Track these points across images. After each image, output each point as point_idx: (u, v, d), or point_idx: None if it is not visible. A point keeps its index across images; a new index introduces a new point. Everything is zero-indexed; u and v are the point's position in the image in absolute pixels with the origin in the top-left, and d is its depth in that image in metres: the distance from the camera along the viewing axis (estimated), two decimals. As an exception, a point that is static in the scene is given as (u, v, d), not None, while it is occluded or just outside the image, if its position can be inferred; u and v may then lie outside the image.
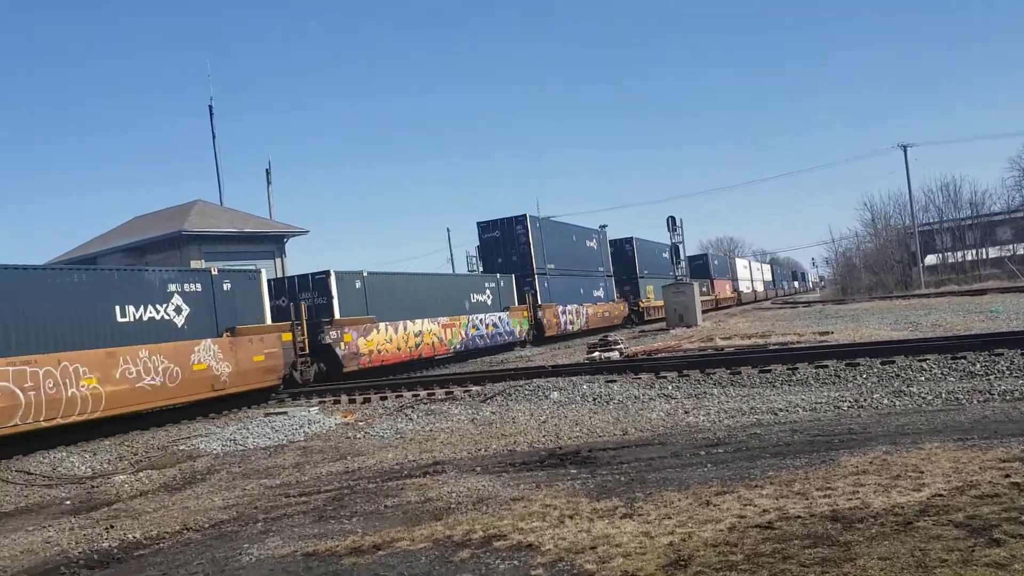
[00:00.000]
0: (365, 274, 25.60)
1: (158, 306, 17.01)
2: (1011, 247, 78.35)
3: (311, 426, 14.99)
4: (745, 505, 6.20)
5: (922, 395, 11.50)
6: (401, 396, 18.33)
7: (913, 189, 73.02)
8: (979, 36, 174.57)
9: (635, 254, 49.11)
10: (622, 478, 7.83)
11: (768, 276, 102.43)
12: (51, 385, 14.29)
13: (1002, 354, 13.57)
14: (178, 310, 17.51)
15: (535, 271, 36.20)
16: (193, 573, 6.17)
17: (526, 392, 15.96)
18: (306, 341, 22.05)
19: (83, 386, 14.87)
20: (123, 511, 9.40)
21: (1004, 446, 7.32)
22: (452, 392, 17.76)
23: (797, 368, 14.90)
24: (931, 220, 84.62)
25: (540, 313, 35.85)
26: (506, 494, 7.62)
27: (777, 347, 20.67)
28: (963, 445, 7.57)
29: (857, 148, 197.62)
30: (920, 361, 14.02)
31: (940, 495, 5.89)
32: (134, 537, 7.75)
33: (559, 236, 40.05)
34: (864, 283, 79.03)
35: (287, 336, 20.79)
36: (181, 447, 14.33)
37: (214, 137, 43.98)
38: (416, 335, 27.27)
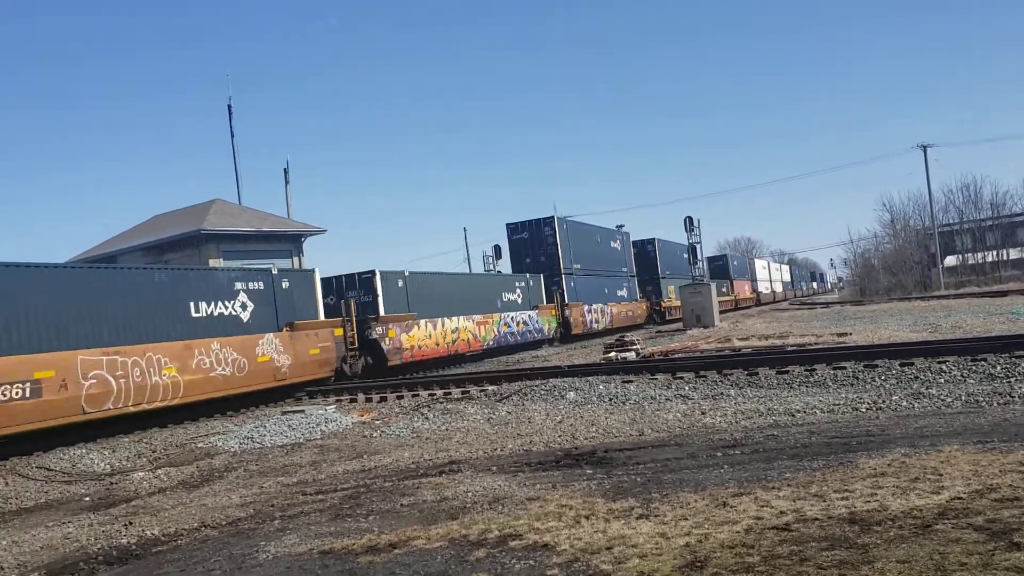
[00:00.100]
0: (407, 273, 26.93)
1: (226, 302, 18.60)
2: (1032, 248, 77.54)
3: (328, 424, 15.05)
4: (762, 507, 6.17)
5: (941, 397, 11.41)
6: (417, 395, 18.37)
7: (933, 189, 72.54)
8: (998, 37, 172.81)
9: (657, 255, 49.96)
10: (638, 479, 7.81)
11: (787, 277, 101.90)
12: (138, 374, 15.92)
13: (1023, 356, 13.42)
14: (244, 306, 19.08)
15: (562, 271, 37.33)
16: (211, 570, 6.21)
17: (542, 392, 15.95)
18: (355, 336, 23.39)
19: (165, 375, 16.53)
20: (142, 508, 9.47)
21: (1025, 449, 7.24)
22: (468, 391, 17.77)
23: (815, 369, 14.80)
24: (951, 221, 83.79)
25: (567, 312, 37.01)
26: (522, 494, 7.62)
27: (795, 348, 20.55)
28: (983, 448, 7.50)
29: (876, 148, 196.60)
30: (940, 363, 13.88)
31: (959, 498, 5.84)
32: (152, 534, 7.82)
33: (584, 237, 41.00)
34: (883, 284, 78.37)
35: (339, 331, 22.37)
36: (199, 444, 14.43)
37: (232, 136, 44.19)
38: (452, 331, 28.55)
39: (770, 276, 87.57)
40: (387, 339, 24.63)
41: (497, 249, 41.08)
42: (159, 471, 12.17)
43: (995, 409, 10.11)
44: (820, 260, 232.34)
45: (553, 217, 37.69)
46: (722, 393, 14.11)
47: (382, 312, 24.95)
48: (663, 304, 49.20)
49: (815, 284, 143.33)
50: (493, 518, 6.72)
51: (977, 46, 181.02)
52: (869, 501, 6.00)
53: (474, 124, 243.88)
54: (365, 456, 11.53)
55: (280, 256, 34.22)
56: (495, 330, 31.37)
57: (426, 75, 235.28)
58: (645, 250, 49.65)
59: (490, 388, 17.69)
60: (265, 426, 15.39)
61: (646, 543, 5.53)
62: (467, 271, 50.86)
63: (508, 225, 38.64)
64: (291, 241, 35.97)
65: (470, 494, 7.84)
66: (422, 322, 26.67)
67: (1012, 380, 12.21)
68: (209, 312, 17.96)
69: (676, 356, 21.26)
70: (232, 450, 13.64)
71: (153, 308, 16.65)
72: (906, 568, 4.52)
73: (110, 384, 15.25)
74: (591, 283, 40.19)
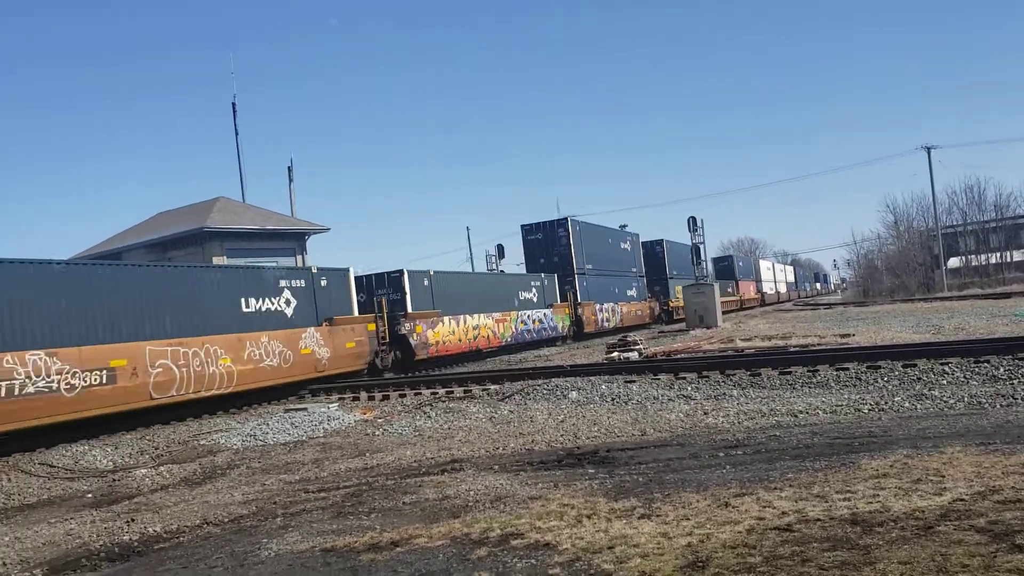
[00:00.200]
0: (432, 272, 28.40)
1: (272, 299, 19.96)
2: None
3: (330, 422, 15.06)
4: (764, 507, 6.17)
5: (944, 399, 11.39)
6: (420, 394, 18.38)
7: (937, 191, 72.18)
8: (1003, 38, 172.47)
9: (665, 256, 51.26)
10: (640, 478, 7.81)
11: (791, 278, 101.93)
12: (198, 363, 17.25)
13: (1027, 358, 13.39)
14: (288, 302, 20.43)
15: (575, 271, 38.57)
16: (212, 567, 6.22)
17: (544, 391, 15.95)
18: (387, 331, 24.67)
19: (221, 365, 17.82)
20: (144, 505, 9.49)
21: (1028, 451, 7.23)
22: (471, 390, 17.77)
23: (818, 370, 14.78)
24: (955, 222, 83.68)
25: (580, 310, 38.29)
26: (524, 493, 7.62)
27: (797, 349, 20.53)
28: (985, 450, 7.49)
29: (880, 150, 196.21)
30: (942, 364, 13.86)
31: (962, 500, 5.83)
32: (154, 530, 7.83)
33: (596, 238, 42.21)
34: (886, 285, 78.13)
35: (371, 326, 23.74)
36: (202, 442, 14.45)
37: (237, 134, 44.24)
38: (474, 328, 29.97)
39: (774, 277, 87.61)
40: (415, 334, 25.87)
41: (500, 248, 41.57)
42: (161, 468, 12.19)
43: (998, 411, 10.09)
44: (823, 261, 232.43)
45: (567, 219, 38.90)
46: (725, 393, 14.10)
47: (410, 309, 26.20)
48: (671, 304, 50.27)
49: (818, 285, 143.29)
50: (495, 517, 6.73)
51: (982, 47, 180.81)
52: (871, 502, 6.00)
53: (475, 124, 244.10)
54: (367, 454, 11.54)
55: (284, 254, 34.25)
56: (513, 327, 32.79)
57: (426, 75, 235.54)
58: (654, 251, 50.86)
59: (492, 387, 17.69)
60: (268, 424, 15.40)
61: (648, 543, 5.53)
62: (470, 271, 51.05)
63: (523, 226, 39.95)
64: (295, 239, 35.95)
65: (472, 493, 7.85)
66: (446, 319, 27.95)
67: (1015, 382, 12.18)
68: (258, 307, 19.35)
69: (679, 356, 21.25)
70: (235, 447, 13.66)
71: (209, 303, 17.98)
72: (908, 569, 4.51)
73: (173, 372, 16.61)
74: (602, 283, 41.40)
